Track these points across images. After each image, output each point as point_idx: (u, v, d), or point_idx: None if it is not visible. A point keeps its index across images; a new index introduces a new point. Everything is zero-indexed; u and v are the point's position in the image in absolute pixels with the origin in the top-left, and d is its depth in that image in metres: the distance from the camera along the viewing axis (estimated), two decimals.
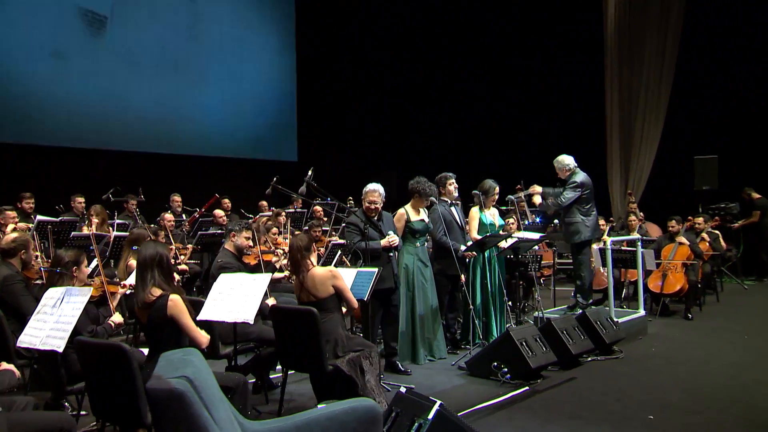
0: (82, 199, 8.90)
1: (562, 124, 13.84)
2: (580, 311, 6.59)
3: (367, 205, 5.75)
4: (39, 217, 7.64)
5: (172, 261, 7.07)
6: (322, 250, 7.02)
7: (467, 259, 6.42)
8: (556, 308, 7.76)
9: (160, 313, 3.45)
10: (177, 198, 10.09)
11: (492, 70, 14.76)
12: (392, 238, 5.62)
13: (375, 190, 5.75)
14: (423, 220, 6.16)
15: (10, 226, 7.43)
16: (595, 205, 7.45)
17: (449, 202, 6.57)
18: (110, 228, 8.18)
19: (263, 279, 4.35)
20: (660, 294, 8.42)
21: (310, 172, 5.31)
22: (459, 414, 4.48)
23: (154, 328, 3.50)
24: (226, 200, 10.71)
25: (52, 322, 3.54)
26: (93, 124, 10.42)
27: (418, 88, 15.55)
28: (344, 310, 4.69)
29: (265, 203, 10.97)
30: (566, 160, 7.41)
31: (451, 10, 15.05)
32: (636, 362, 6.01)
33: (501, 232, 6.93)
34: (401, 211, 6.17)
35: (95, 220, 8.15)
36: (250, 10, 13.23)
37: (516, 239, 6.73)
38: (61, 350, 3.38)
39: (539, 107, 14.31)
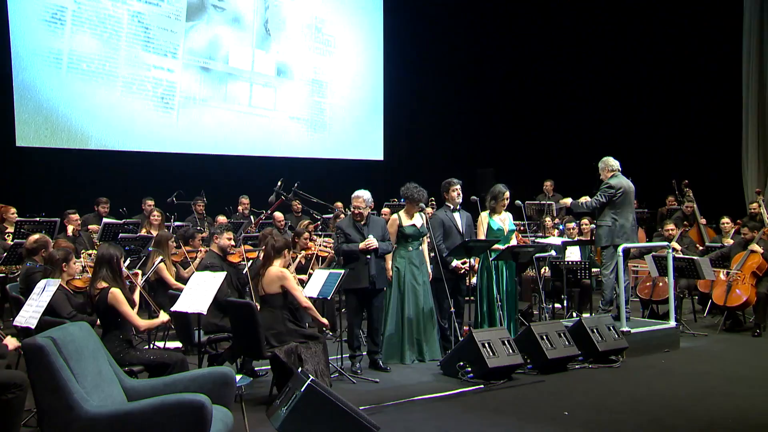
0: (152, 202, 11.09)
1: (688, 111, 14.06)
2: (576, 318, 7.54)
3: (353, 210, 7.15)
4: (105, 220, 9.91)
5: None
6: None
7: (462, 264, 7.59)
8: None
9: (103, 302, 5.14)
10: (245, 200, 11.98)
11: (601, 53, 15.26)
12: (369, 242, 6.93)
13: (359, 197, 7.12)
14: (414, 225, 7.42)
15: (71, 227, 9.76)
16: (633, 211, 8.34)
17: (451, 207, 7.77)
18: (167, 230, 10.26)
19: (219, 276, 5.94)
20: (723, 306, 8.89)
21: (279, 183, 6.83)
22: (388, 403, 5.81)
23: (100, 314, 5.21)
24: (296, 201, 12.52)
25: (34, 306, 5.37)
26: (168, 129, 12.70)
27: (506, 83, 16.52)
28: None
29: (340, 204, 12.64)
30: (611, 161, 8.51)
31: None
32: (626, 372, 6.84)
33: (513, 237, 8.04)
34: (394, 216, 7.51)
35: (155, 221, 10.29)
36: (336, 6, 15.00)
37: (512, 245, 7.79)
38: (33, 327, 5.17)
39: (661, 92, 14.59)
